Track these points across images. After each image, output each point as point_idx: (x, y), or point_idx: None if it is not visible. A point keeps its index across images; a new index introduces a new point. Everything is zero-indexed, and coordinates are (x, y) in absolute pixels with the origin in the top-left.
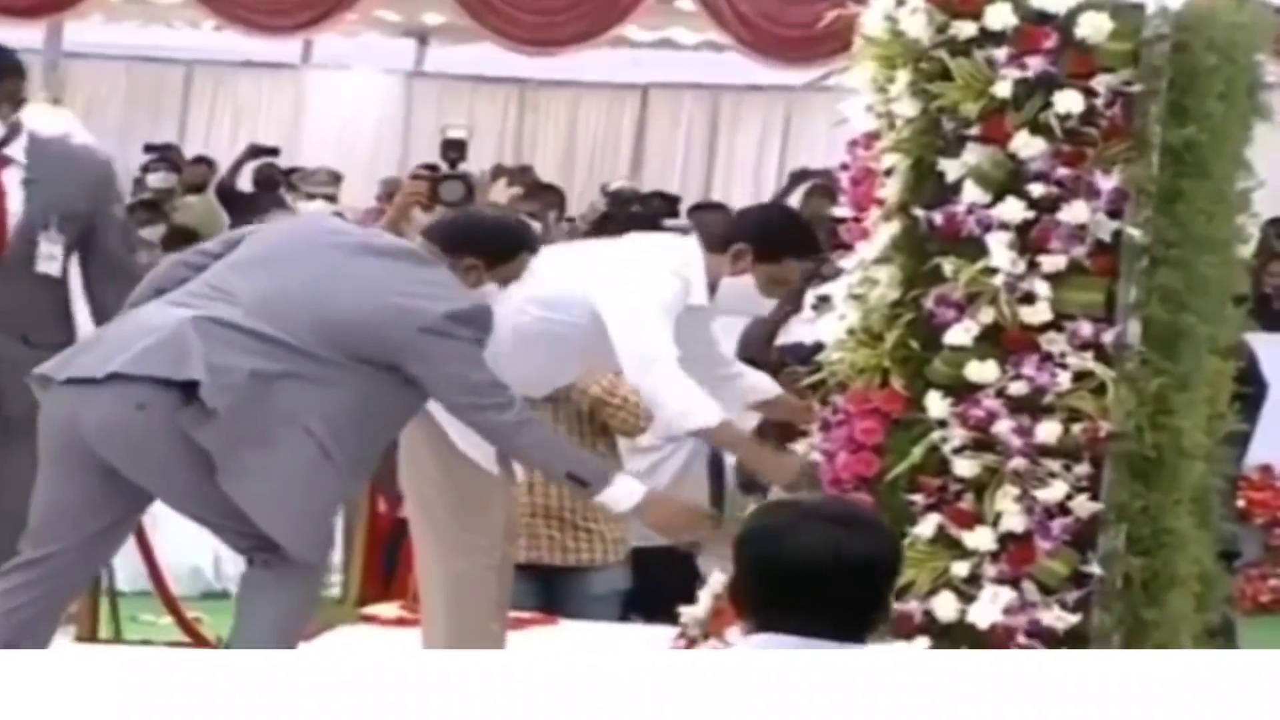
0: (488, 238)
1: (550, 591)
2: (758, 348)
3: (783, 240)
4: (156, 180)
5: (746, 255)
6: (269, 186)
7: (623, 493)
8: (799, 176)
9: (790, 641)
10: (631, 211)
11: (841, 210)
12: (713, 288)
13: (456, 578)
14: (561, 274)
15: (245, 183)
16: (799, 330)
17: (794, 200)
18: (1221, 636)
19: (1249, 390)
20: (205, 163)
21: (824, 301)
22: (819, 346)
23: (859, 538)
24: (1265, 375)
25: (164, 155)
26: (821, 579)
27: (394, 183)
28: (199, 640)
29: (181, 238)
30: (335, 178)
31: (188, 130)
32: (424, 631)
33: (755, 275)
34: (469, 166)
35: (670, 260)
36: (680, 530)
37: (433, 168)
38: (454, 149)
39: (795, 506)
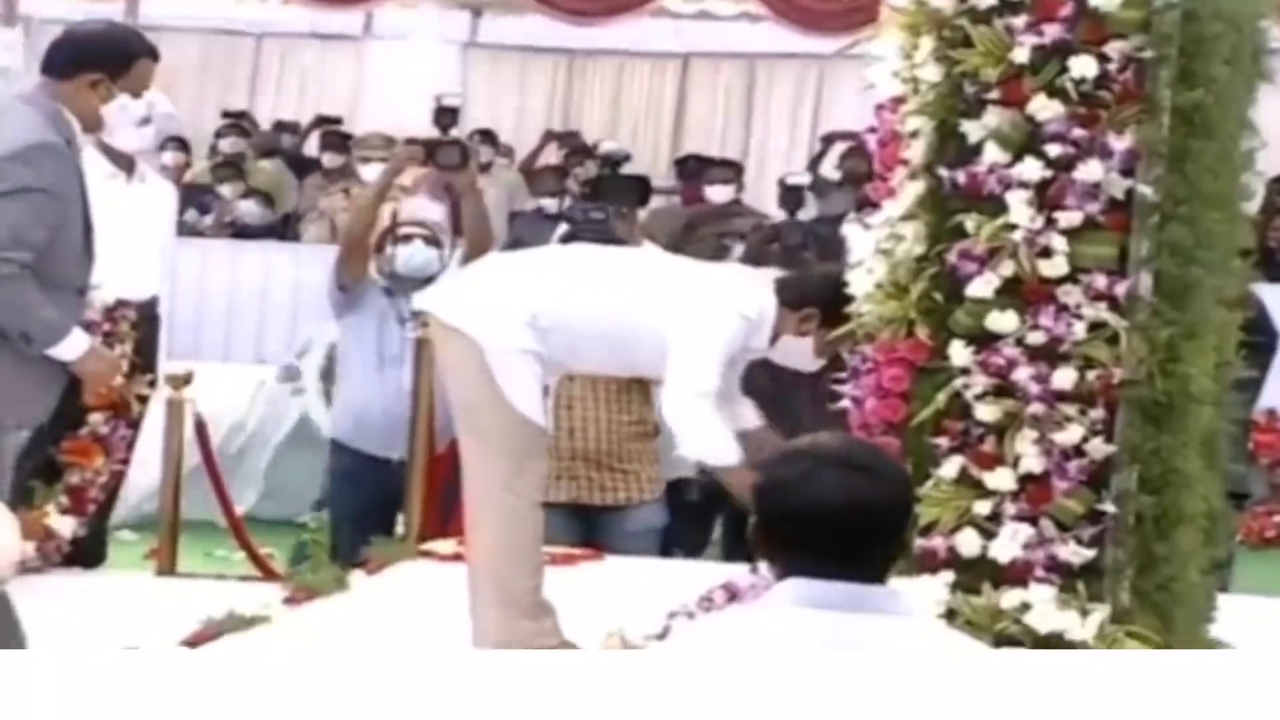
0: (98, 48)
1: (590, 528)
2: None
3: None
4: (226, 145)
5: (814, 320)
6: (329, 151)
7: (69, 344)
8: (830, 139)
9: (816, 588)
10: (621, 174)
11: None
12: (774, 337)
13: (509, 511)
14: (652, 287)
15: (311, 148)
16: None
17: (829, 160)
18: (1225, 569)
19: (1260, 339)
20: (288, 129)
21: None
22: None
23: (873, 482)
24: (1276, 325)
25: (235, 122)
26: (841, 526)
27: None
28: (269, 574)
29: (255, 197)
30: (388, 142)
31: (256, 98)
32: (470, 564)
33: (815, 337)
34: (520, 133)
35: (747, 306)
36: (105, 377)
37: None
38: (446, 115)
39: (810, 454)
